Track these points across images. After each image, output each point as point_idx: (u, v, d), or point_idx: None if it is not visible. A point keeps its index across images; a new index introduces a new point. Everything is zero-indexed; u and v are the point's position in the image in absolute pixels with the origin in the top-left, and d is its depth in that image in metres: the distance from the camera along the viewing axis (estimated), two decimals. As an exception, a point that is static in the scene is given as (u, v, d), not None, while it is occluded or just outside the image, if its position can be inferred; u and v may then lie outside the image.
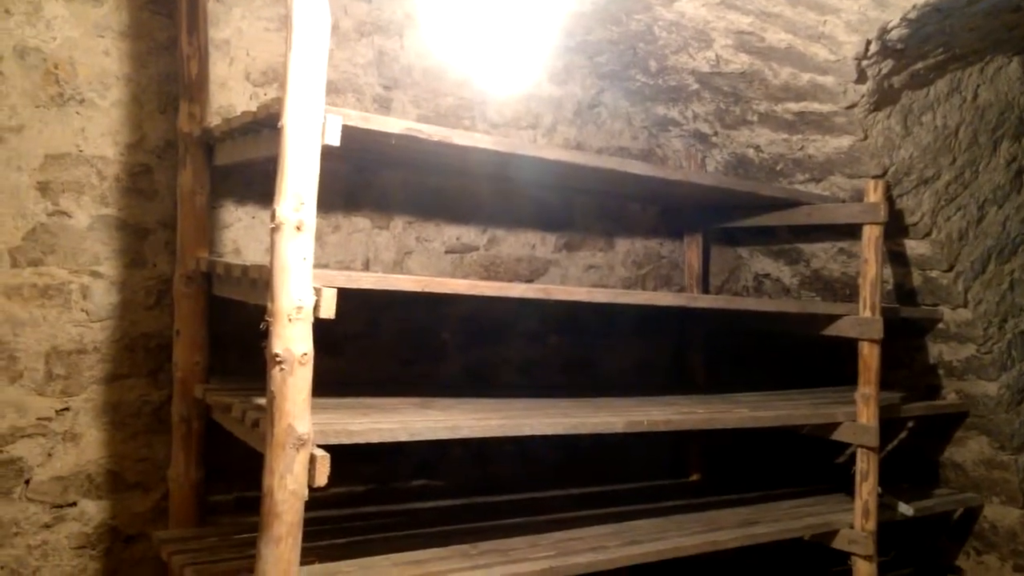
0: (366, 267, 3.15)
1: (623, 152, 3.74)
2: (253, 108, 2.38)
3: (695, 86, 3.38)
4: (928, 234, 3.37)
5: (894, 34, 2.76)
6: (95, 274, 2.67)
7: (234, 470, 2.83)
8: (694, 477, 3.91)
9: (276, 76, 2.90)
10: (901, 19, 2.69)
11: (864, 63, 2.88)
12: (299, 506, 2.00)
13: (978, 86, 3.24)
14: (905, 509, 3.42)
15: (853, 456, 3.25)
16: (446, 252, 3.33)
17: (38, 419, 2.61)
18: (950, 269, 3.43)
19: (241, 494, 2.88)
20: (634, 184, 3.29)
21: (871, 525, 3.18)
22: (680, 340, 3.97)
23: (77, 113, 2.63)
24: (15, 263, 2.56)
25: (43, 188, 2.59)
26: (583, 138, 3.64)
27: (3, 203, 2.54)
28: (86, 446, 2.68)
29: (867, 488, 3.18)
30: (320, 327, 2.03)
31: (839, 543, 3.22)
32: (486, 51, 3.30)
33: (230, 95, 2.85)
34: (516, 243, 3.51)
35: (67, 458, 2.65)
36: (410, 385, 3.12)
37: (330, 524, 2.78)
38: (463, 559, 2.51)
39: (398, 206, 3.22)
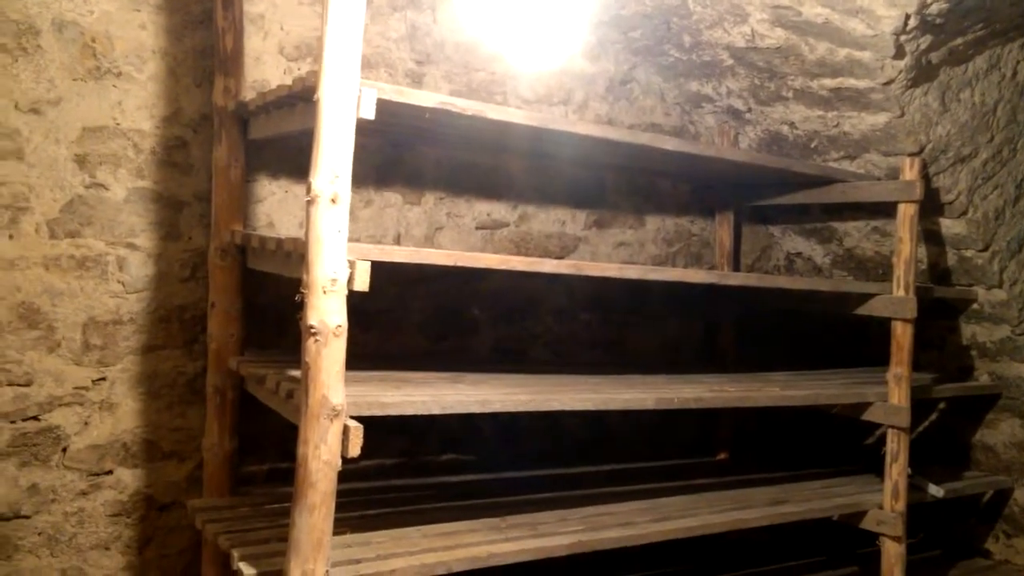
0: (397, 242, 3.16)
1: (655, 128, 3.72)
2: (287, 82, 2.39)
3: (729, 62, 3.35)
4: (964, 213, 3.33)
5: (934, 8, 2.72)
6: (131, 246, 2.71)
7: (266, 442, 2.87)
8: (722, 456, 3.91)
9: (310, 51, 2.91)
10: (941, -7, 2.65)
11: (902, 38, 2.84)
12: (332, 476, 2.02)
13: (1018, 63, 3.19)
14: (935, 490, 3.40)
15: (883, 437, 3.23)
16: (476, 228, 3.34)
17: (75, 388, 2.65)
18: (986, 249, 3.39)
19: (273, 465, 2.92)
20: (666, 161, 3.27)
21: (900, 506, 3.16)
22: (710, 318, 3.96)
23: (114, 86, 2.66)
24: (53, 234, 2.59)
25: (80, 161, 2.62)
26: (615, 114, 3.63)
27: (41, 175, 2.57)
28: (122, 415, 2.72)
29: (897, 469, 3.17)
30: (352, 301, 2.05)
31: (868, 523, 3.21)
32: (518, 26, 3.29)
33: (264, 69, 2.86)
34: (546, 220, 3.50)
35: (103, 427, 2.69)
36: (441, 360, 3.14)
37: (361, 496, 2.81)
38: (493, 532, 2.53)
39: (429, 182, 3.22)
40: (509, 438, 3.41)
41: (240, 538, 2.38)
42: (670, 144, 2.97)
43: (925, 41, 2.88)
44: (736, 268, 3.95)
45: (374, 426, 2.12)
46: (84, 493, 2.67)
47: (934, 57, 2.97)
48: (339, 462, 2.03)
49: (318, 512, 1.99)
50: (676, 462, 3.71)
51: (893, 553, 3.18)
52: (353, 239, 2.13)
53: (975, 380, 3.74)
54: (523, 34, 3.31)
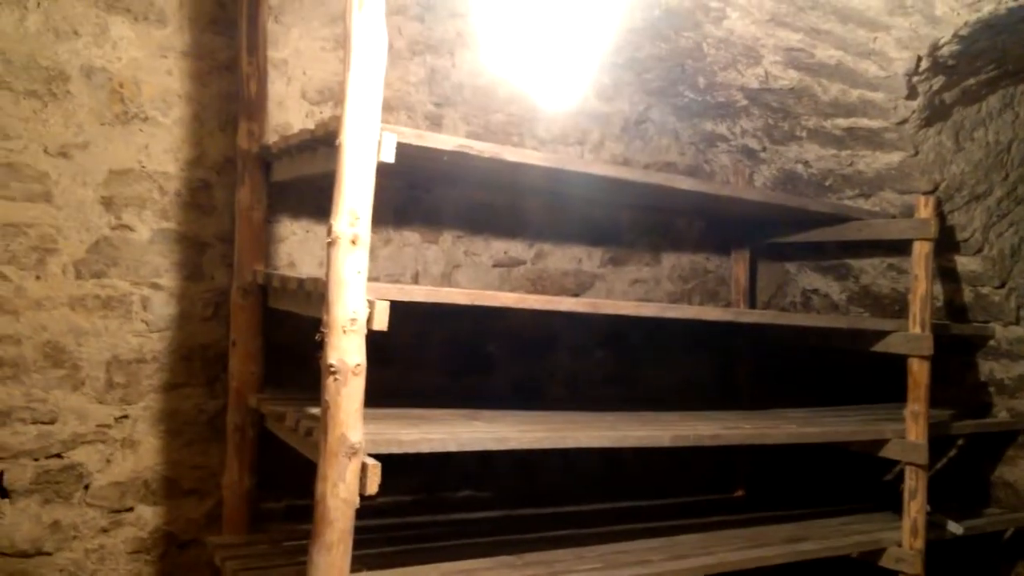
0: (415, 280, 3.20)
1: (670, 167, 3.76)
2: (310, 126, 2.45)
3: (743, 102, 3.39)
4: (979, 250, 3.34)
5: (945, 50, 2.75)
6: (155, 286, 2.76)
7: (284, 479, 2.89)
8: (739, 493, 3.90)
9: (331, 95, 2.97)
10: (953, 35, 2.68)
11: (915, 79, 2.87)
12: (350, 513, 2.04)
13: (1031, 102, 3.21)
14: (954, 528, 3.37)
15: (901, 474, 3.22)
16: (493, 266, 3.38)
17: (98, 426, 2.69)
18: (1002, 286, 3.39)
19: (291, 502, 2.94)
20: (681, 199, 3.31)
21: (919, 543, 3.15)
22: (726, 356, 3.97)
23: (140, 130, 2.72)
24: (79, 275, 2.65)
25: (107, 203, 2.68)
26: (630, 154, 3.67)
27: (69, 217, 2.63)
28: (143, 453, 2.75)
29: (915, 506, 3.15)
30: (371, 339, 2.08)
31: (887, 561, 3.19)
32: (535, 69, 3.34)
33: (287, 113, 2.93)
34: (563, 257, 3.54)
35: (125, 464, 2.73)
36: (457, 397, 3.16)
37: (378, 533, 2.82)
38: (509, 570, 2.54)
39: (447, 220, 3.27)
40: (525, 475, 3.41)
41: (259, 575, 2.40)
42: (685, 184, 3.00)
43: (938, 82, 2.91)
44: (752, 305, 3.97)
45: (391, 463, 2.14)
46: (105, 530, 2.70)
47: (947, 97, 3.00)
48: (357, 500, 2.05)
49: (336, 550, 2.01)
50: (692, 499, 3.71)
51: (912, 591, 3.16)
52: (372, 277, 2.17)
53: (994, 417, 3.72)
54: (539, 76, 3.36)
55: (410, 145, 2.22)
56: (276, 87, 2.90)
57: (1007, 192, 3.29)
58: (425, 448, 2.25)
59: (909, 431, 3.15)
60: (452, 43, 3.24)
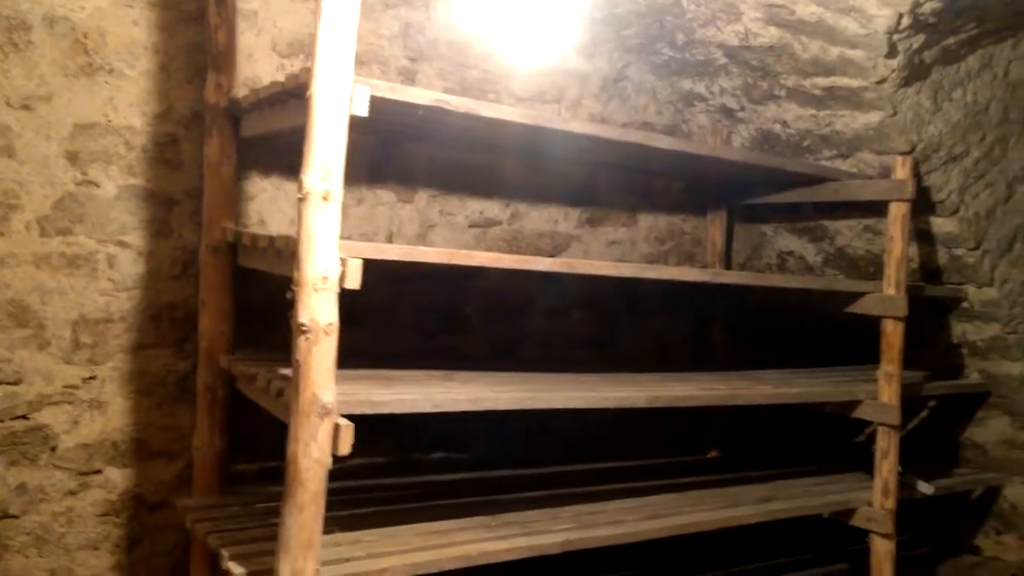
0: (390, 240, 3.15)
1: (648, 127, 3.72)
2: (280, 79, 2.38)
3: (722, 60, 3.35)
4: (955, 212, 3.34)
5: (927, 7, 2.72)
6: (122, 244, 2.69)
7: (256, 440, 2.85)
8: (713, 453, 3.92)
9: (302, 47, 2.90)
10: (934, -8, 2.66)
11: (895, 37, 2.84)
12: (323, 474, 2.01)
13: (1010, 62, 3.20)
14: (925, 488, 3.41)
15: (873, 434, 3.24)
16: (469, 226, 3.33)
17: (65, 387, 2.63)
18: (977, 247, 3.40)
19: (263, 464, 2.91)
20: (658, 159, 3.27)
21: (890, 503, 3.18)
22: (702, 317, 3.96)
23: (106, 83, 2.64)
24: (44, 232, 2.58)
25: (72, 157, 2.61)
26: (608, 113, 3.62)
27: (33, 172, 2.55)
28: (112, 414, 2.70)
29: (887, 466, 3.18)
30: (343, 300, 2.04)
31: (858, 521, 3.22)
32: (512, 24, 3.28)
33: (256, 66, 2.85)
34: (539, 218, 3.50)
35: (93, 426, 2.68)
36: (432, 358, 3.13)
37: (352, 494, 2.81)
38: (484, 530, 2.53)
39: (422, 180, 3.22)
40: (500, 436, 3.40)
41: (230, 537, 2.37)
42: (663, 143, 2.97)
43: (918, 40, 2.88)
44: (728, 266, 3.96)
45: (365, 424, 2.11)
46: (73, 492, 2.66)
47: (927, 56, 2.97)
48: (329, 460, 2.02)
49: (308, 511, 1.99)
50: (667, 460, 3.72)
51: (882, 550, 3.19)
52: (345, 237, 2.13)
53: (965, 378, 3.75)
54: (517, 32, 3.30)
55: (384, 99, 2.16)
56: (246, 39, 2.82)
57: (984, 153, 3.29)
58: (398, 409, 2.22)
59: (882, 392, 3.16)
60: (427, -4, 3.17)
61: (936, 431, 3.95)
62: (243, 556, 2.23)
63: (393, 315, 3.17)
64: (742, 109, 3.57)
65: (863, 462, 3.52)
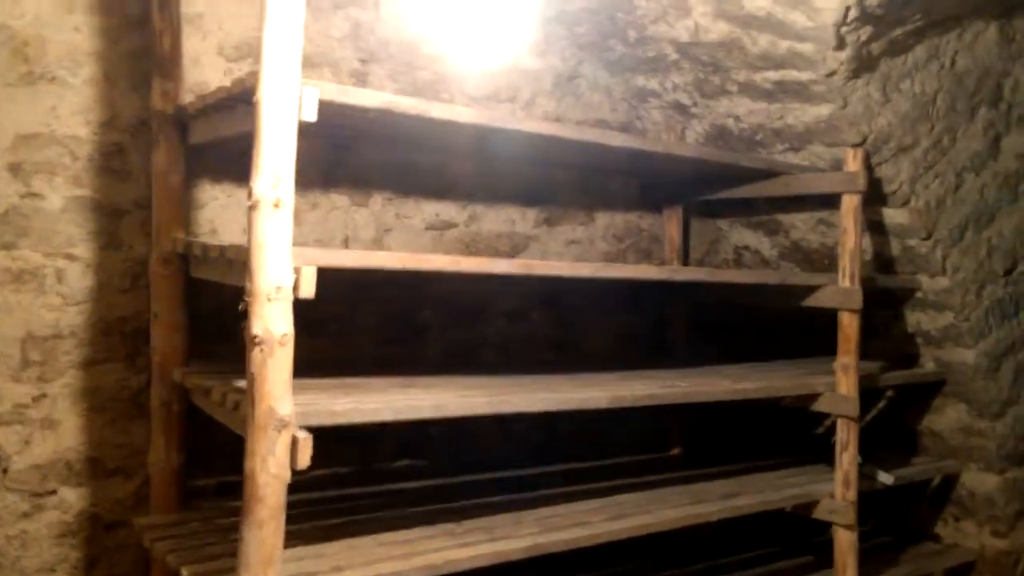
0: (345, 245, 3.11)
1: (603, 124, 3.72)
2: (227, 84, 2.33)
3: (674, 56, 3.35)
4: (906, 202, 3.38)
5: None
6: (70, 257, 2.62)
7: (216, 454, 2.79)
8: (676, 451, 3.93)
9: (251, 51, 2.84)
10: (881, -15, 2.68)
11: (843, 29, 2.86)
12: (282, 489, 1.97)
13: (956, 52, 3.24)
14: (885, 478, 3.44)
15: (833, 426, 3.27)
16: (426, 229, 3.30)
17: (15, 406, 2.56)
18: (928, 237, 3.44)
19: (223, 478, 2.85)
20: (614, 157, 3.27)
21: (851, 495, 3.20)
22: (662, 313, 3.97)
23: (48, 92, 2.57)
24: (-13, 247, 2.51)
25: (14, 169, 2.53)
26: (562, 111, 3.61)
27: (-28, 186, 2.48)
28: (64, 433, 2.63)
29: (847, 458, 3.20)
30: (299, 308, 2.00)
31: (820, 513, 3.24)
32: (464, 23, 3.26)
33: (204, 71, 2.80)
34: (496, 219, 3.48)
35: (45, 445, 2.61)
36: (392, 365, 3.10)
37: (314, 506, 2.76)
38: (448, 538, 2.51)
39: (377, 183, 3.18)
40: (463, 442, 3.38)
41: (190, 555, 2.33)
42: (617, 140, 2.97)
43: (866, 32, 2.91)
44: (685, 262, 3.97)
45: (326, 435, 2.08)
46: (27, 515, 2.59)
47: (875, 48, 3.00)
48: (288, 474, 1.98)
49: (268, 526, 1.95)
50: (630, 459, 3.71)
51: (845, 541, 3.21)
52: (300, 243, 2.09)
53: (921, 367, 3.79)
54: (468, 31, 3.28)
55: (333, 102, 2.13)
56: (192, 43, 2.76)
57: (933, 143, 3.32)
58: (359, 418, 2.19)
59: (840, 384, 3.19)
60: (377, -3, 3.13)
61: (894, 421, 3.99)
62: (203, 574, 2.19)
63: (351, 322, 3.13)
64: (695, 104, 3.57)
65: (824, 454, 3.55)
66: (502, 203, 3.49)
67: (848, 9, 2.78)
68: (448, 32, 3.24)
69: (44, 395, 2.60)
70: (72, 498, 2.65)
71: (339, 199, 3.10)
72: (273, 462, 1.95)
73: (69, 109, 2.61)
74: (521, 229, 3.55)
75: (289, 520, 2.01)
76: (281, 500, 1.97)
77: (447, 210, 3.35)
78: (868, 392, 3.39)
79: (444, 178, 3.33)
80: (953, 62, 3.25)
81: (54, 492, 2.63)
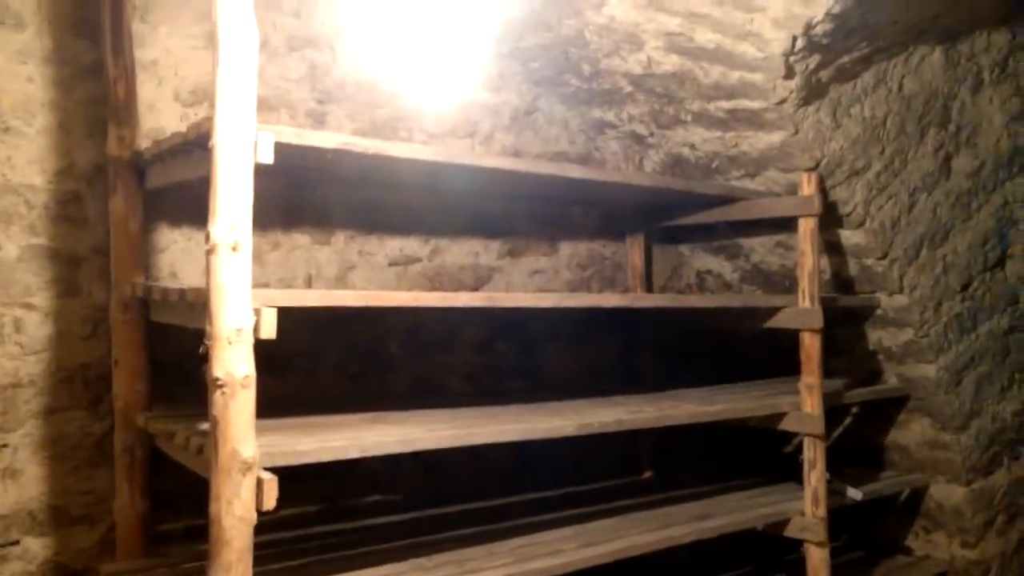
0: (308, 284, 3.12)
1: (561, 157, 3.76)
2: (183, 129, 2.34)
3: (629, 88, 3.41)
4: (862, 223, 3.44)
5: (819, 29, 2.81)
6: (28, 306, 2.61)
7: (181, 498, 2.77)
8: (647, 475, 3.94)
9: (206, 95, 2.86)
10: (825, 14, 2.75)
11: (791, 59, 2.93)
12: (248, 532, 1.97)
13: (903, 76, 3.32)
14: (854, 493, 3.48)
15: (801, 445, 3.30)
16: (389, 265, 3.31)
17: (-25, 457, 2.53)
18: (885, 256, 3.50)
19: (190, 522, 2.82)
20: (574, 188, 3.31)
21: (821, 511, 3.23)
22: (627, 340, 4.00)
23: (2, 142, 2.56)
24: (-58, 298, 2.48)
25: (-31, 220, 2.52)
26: (521, 144, 3.65)
27: (-73, 237, 2.46)
28: (27, 482, 2.60)
29: (815, 475, 3.23)
30: (263, 347, 2.01)
31: (791, 531, 3.26)
32: (420, 61, 3.29)
33: (160, 117, 2.80)
34: (459, 252, 3.50)
35: (7, 496, 2.57)
36: (359, 400, 3.09)
37: (283, 546, 2.74)
38: (420, 573, 2.50)
39: (338, 221, 3.19)
40: (435, 474, 3.37)
41: (157, 601, 2.30)
42: (576, 172, 3.00)
43: (814, 60, 2.97)
44: (649, 288, 4.01)
45: (293, 474, 2.07)
46: (-11, 567, 2.55)
47: (823, 75, 3.07)
48: (254, 516, 1.98)
49: (235, 569, 1.93)
50: (602, 484, 3.72)
51: (817, 558, 3.23)
52: (262, 283, 2.10)
53: (884, 383, 3.84)
54: (425, 69, 3.31)
55: (290, 145, 2.15)
56: (147, 89, 2.77)
57: (884, 166, 3.39)
58: (325, 457, 2.18)
59: (805, 403, 3.22)
60: (332, 37, 3.15)
61: (861, 437, 4.03)
62: (170, 621, 2.17)
63: (316, 359, 3.13)
64: (651, 135, 3.63)
65: (793, 472, 3.58)
66: (465, 236, 3.51)
67: (795, 39, 2.85)
68: (405, 70, 3.28)
69: (5, 445, 2.57)
70: (36, 548, 2.62)
71: (301, 238, 3.11)
72: (239, 504, 1.94)
73: (24, 158, 2.60)
74: (485, 261, 3.57)
75: (257, 561, 2.00)
76: (248, 542, 1.96)
77: (410, 245, 3.37)
78: (834, 409, 3.43)
79: (406, 214, 3.35)
80: (901, 86, 3.33)
81: (17, 542, 2.59)
